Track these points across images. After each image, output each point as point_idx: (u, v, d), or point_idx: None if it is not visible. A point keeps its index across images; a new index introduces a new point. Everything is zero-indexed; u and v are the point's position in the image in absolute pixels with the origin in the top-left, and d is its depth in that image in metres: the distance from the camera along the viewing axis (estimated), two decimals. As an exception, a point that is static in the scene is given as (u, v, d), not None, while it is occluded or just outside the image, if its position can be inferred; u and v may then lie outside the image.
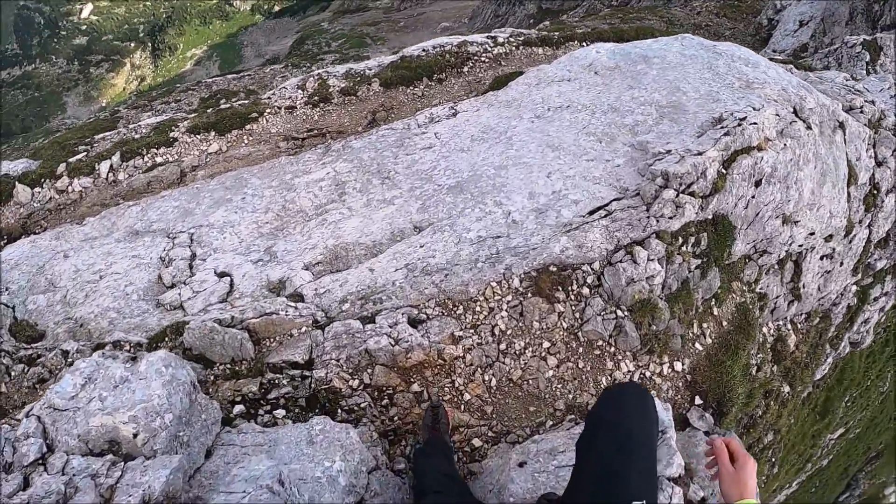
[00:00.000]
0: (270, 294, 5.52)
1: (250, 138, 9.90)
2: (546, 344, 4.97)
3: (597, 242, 5.14)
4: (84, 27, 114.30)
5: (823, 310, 12.41)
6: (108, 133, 11.22)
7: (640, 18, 21.68)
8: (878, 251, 13.07)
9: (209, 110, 11.16)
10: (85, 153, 10.26)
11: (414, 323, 4.92)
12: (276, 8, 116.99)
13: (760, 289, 8.32)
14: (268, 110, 10.32)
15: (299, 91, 10.87)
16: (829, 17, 20.38)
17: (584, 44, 11.24)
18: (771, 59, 13.29)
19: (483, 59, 10.94)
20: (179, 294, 5.93)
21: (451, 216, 5.73)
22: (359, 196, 6.73)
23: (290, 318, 4.85)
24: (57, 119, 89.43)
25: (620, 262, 5.17)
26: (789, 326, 10.22)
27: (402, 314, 4.80)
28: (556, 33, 11.66)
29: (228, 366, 4.73)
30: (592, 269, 5.10)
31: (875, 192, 10.95)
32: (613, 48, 8.91)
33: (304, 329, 4.82)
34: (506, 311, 4.94)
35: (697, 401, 5.76)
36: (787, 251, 8.70)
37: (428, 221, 5.79)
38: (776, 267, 8.70)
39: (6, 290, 6.79)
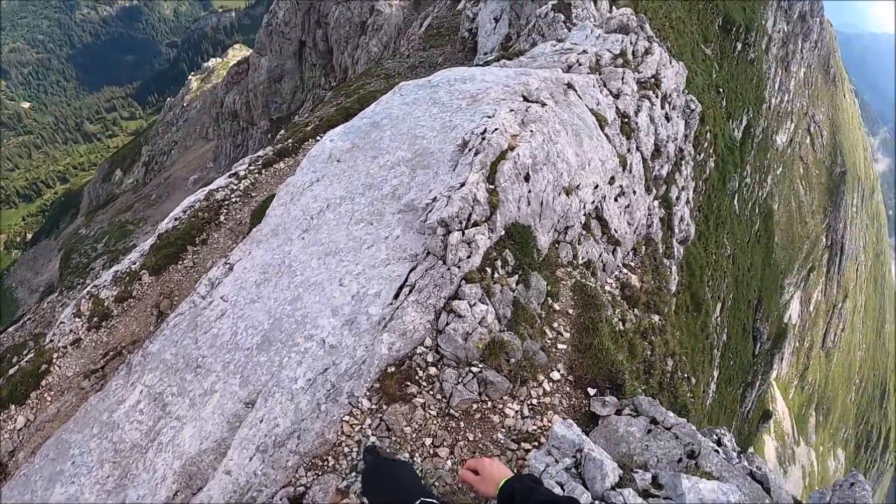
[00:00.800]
0: None
1: (52, 393, 9.12)
2: (428, 441, 4.72)
3: (416, 321, 5.04)
4: None
5: (644, 237, 13.34)
6: None
7: (361, 87, 22.51)
8: (656, 162, 14.35)
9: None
10: None
11: (297, 500, 4.48)
12: (29, 236, 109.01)
13: (583, 259, 8.68)
14: (55, 356, 9.58)
15: (77, 320, 10.21)
16: (517, 2, 22.34)
17: (318, 138, 11.40)
18: (485, 64, 14.26)
19: (234, 199, 10.87)
20: None
21: (273, 374, 5.43)
22: (180, 401, 6.26)
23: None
24: None
25: (448, 324, 5.08)
26: (625, 271, 10.82)
27: (281, 499, 4.35)
28: (290, 141, 11.73)
29: None
30: (426, 347, 4.96)
31: (626, 120, 12.01)
32: (343, 130, 9.04)
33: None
34: (372, 435, 4.64)
35: (591, 391, 5.76)
36: (585, 213, 9.18)
37: (255, 391, 5.44)
38: (584, 232, 9.15)
39: None
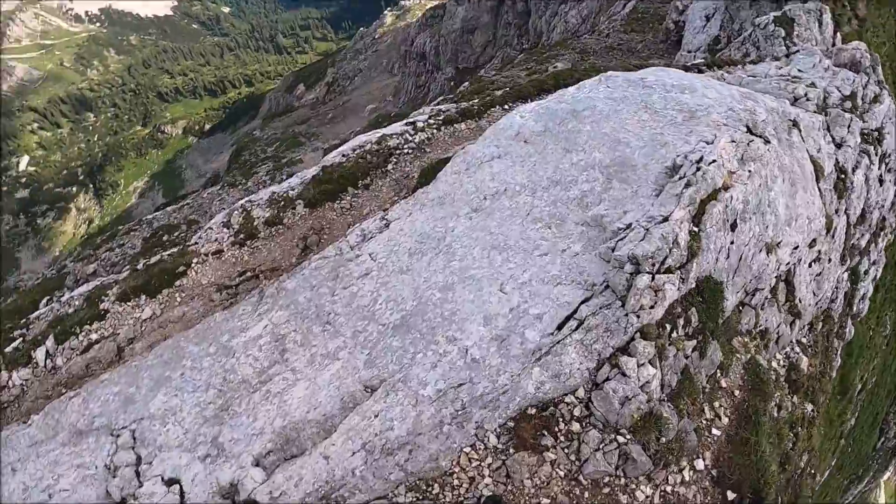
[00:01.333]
0: (224, 501, 4.77)
1: (182, 295, 9.14)
2: (546, 501, 4.14)
3: (574, 365, 4.41)
4: (24, 179, 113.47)
5: (822, 311, 11.76)
6: (42, 311, 10.53)
7: (554, 56, 21.61)
8: (858, 229, 12.59)
9: (139, 266, 10.43)
10: (21, 339, 9.61)
11: (385, 519, 4.11)
12: (207, 126, 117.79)
13: (760, 327, 7.63)
14: (195, 260, 9.58)
15: (225, 230, 10.17)
16: (733, 4, 20.42)
17: (506, 107, 10.76)
18: (697, 71, 12.93)
19: (406, 150, 10.34)
20: (128, 515, 5.15)
21: (403, 366, 4.99)
22: (301, 352, 5.99)
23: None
24: (13, 277, 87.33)
25: (608, 380, 4.43)
26: (797, 349, 9.51)
27: (370, 511, 3.98)
28: (476, 101, 11.14)
29: None
30: (577, 398, 4.34)
31: (842, 176, 10.49)
32: (537, 108, 8.35)
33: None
34: (489, 477, 4.15)
35: (730, 496, 4.95)
36: (775, 276, 8.07)
37: (378, 378, 5.03)
38: (769, 297, 8.04)
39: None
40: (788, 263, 8.33)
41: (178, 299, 9.05)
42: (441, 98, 24.41)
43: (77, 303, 10.00)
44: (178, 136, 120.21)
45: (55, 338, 8.94)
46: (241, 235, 9.61)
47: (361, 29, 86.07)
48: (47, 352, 8.87)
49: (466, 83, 25.06)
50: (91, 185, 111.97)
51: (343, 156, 10.55)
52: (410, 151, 10.30)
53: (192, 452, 5.57)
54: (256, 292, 7.96)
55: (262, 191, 11.32)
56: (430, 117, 11.05)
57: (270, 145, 55.74)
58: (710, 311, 5.48)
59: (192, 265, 9.46)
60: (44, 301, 16.93)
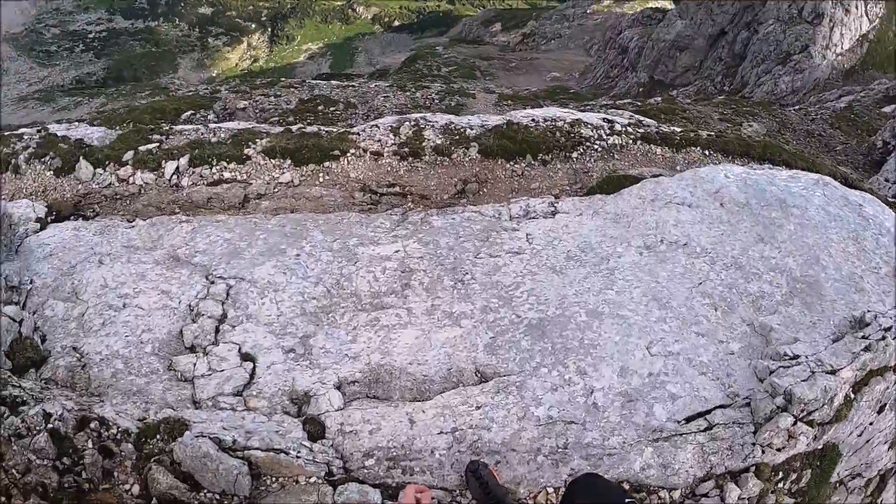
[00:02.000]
0: (291, 406, 4.68)
1: (326, 178, 9.02)
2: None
3: (686, 465, 4.11)
4: None
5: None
6: (187, 127, 10.39)
7: (752, 114, 20.36)
8: None
9: (294, 129, 10.28)
10: (157, 144, 9.51)
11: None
12: (396, 23, 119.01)
13: (845, 509, 7.07)
14: (352, 150, 9.37)
15: (391, 135, 9.88)
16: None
17: (707, 153, 10.09)
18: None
19: (596, 146, 9.74)
20: (195, 365, 5.13)
21: (524, 371, 4.75)
22: (423, 297, 5.80)
23: (300, 462, 3.98)
24: (167, 77, 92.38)
25: (706, 495, 4.13)
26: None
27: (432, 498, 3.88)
28: (679, 132, 10.49)
29: (217, 497, 3.92)
30: (672, 497, 4.07)
31: None
32: (745, 177, 7.78)
33: (313, 480, 3.95)
34: None
35: None
36: (878, 470, 7.45)
37: (494, 370, 4.82)
38: (861, 487, 7.45)
39: (30, 282, 6.23)
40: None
41: (321, 180, 8.89)
42: (628, 101, 23.54)
43: (222, 135, 9.98)
44: (365, 20, 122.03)
45: (190, 159, 8.92)
46: (406, 149, 9.34)
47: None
48: (178, 168, 8.91)
49: (658, 98, 24.02)
50: (269, 30, 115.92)
51: (533, 120, 10.05)
52: (599, 150, 9.71)
53: (279, 338, 5.40)
54: (400, 211, 7.71)
55: (438, 114, 10.93)
56: (629, 124, 10.49)
57: (446, 66, 55.59)
58: (819, 479, 5.05)
59: (347, 154, 9.23)
60: (187, 113, 17.45)
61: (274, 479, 4.01)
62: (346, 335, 5.42)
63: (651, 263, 6.18)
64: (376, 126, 10.16)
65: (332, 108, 18.16)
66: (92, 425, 4.34)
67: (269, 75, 71.95)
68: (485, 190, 8.91)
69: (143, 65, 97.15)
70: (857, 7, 38.58)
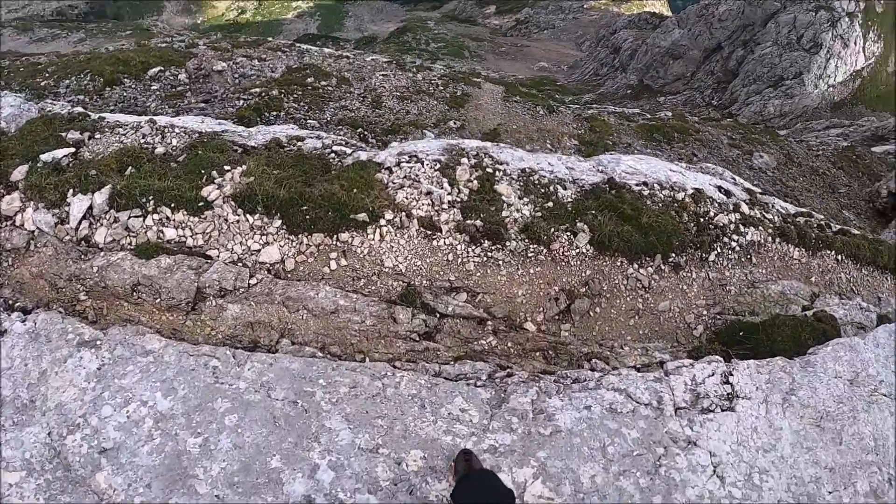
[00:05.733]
0: None
1: (343, 263, 5.91)
2: None
3: None
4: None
5: None
6: (124, 119, 7.43)
7: (760, 142, 19.47)
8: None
9: (286, 144, 7.19)
10: (71, 152, 6.27)
11: None
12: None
13: None
14: (388, 212, 6.17)
15: (442, 182, 6.65)
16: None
17: (840, 258, 8.10)
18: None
19: (732, 244, 7.35)
20: None
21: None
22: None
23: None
24: (151, 18, 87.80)
25: None
26: None
27: None
28: (814, 236, 8.09)
29: None
30: None
31: None
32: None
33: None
34: None
35: None
36: None
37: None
38: None
39: None
40: None
41: (333, 265, 5.86)
42: (636, 111, 22.03)
43: (174, 144, 6.74)
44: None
45: (113, 195, 6.04)
46: (477, 223, 6.29)
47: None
48: (91, 208, 5.93)
49: (668, 114, 22.73)
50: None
51: (644, 185, 7.57)
52: (736, 250, 7.29)
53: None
54: (485, 374, 4.96)
55: (505, 149, 7.61)
56: (751, 201, 8.12)
57: (435, 42, 54.40)
58: None
59: (381, 221, 6.10)
60: (155, 70, 15.13)
61: None
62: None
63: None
64: (416, 158, 6.90)
65: (323, 83, 15.78)
66: None
67: (254, 31, 69.07)
68: (597, 311, 6.36)
69: (126, 3, 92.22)
70: (855, 43, 38.21)
